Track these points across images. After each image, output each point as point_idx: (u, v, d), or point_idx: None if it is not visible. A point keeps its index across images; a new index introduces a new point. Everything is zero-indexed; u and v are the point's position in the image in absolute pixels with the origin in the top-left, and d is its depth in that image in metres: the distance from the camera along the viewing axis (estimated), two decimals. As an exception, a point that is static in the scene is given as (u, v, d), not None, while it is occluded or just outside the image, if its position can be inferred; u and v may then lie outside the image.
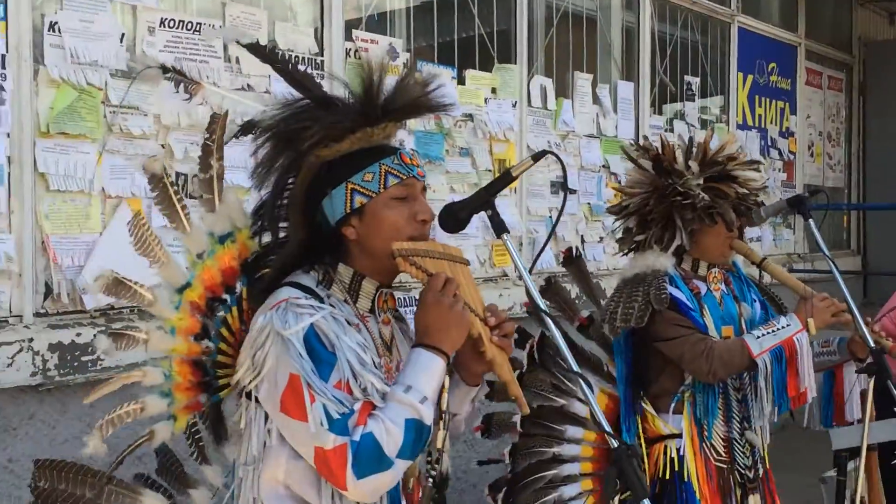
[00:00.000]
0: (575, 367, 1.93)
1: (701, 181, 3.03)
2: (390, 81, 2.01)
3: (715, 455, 3.11)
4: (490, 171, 5.32)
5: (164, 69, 2.11)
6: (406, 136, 4.73)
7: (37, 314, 3.33)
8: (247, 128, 2.14)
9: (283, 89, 2.14)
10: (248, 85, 3.99)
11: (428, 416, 1.87)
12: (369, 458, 1.81)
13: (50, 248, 3.34)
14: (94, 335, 3.31)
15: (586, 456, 3.22)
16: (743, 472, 3.13)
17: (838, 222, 9.90)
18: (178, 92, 2.14)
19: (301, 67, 2.15)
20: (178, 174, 3.69)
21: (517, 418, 3.24)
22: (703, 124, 7.47)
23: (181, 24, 3.76)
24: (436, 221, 2.06)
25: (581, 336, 3.42)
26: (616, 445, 1.82)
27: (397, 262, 1.94)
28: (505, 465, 3.27)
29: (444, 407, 2.00)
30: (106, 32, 3.50)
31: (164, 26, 3.70)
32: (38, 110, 3.33)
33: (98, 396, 2.05)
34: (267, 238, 2.15)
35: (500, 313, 2.03)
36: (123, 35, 3.57)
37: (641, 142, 3.27)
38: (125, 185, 3.53)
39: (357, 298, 2.04)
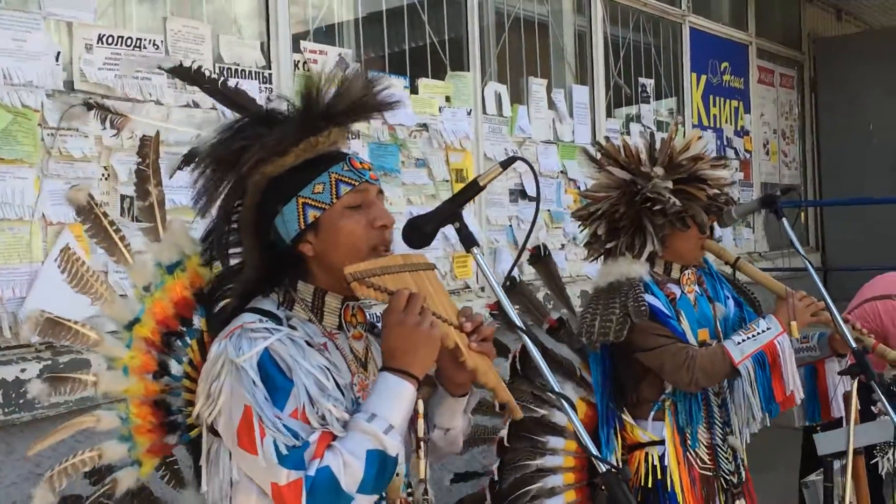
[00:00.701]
0: (556, 387, 1.81)
1: (670, 185, 2.93)
2: (332, 87, 1.89)
3: (700, 463, 3.02)
4: (447, 181, 5.20)
5: (88, 106, 1.99)
6: (360, 148, 4.60)
7: (-23, 350, 3.15)
8: (190, 157, 2.01)
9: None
10: (194, 101, 3.84)
11: (393, 447, 1.73)
12: (325, 493, 1.67)
13: (-12, 280, 3.16)
14: (40, 371, 3.19)
15: (568, 466, 3.11)
16: (727, 477, 3.05)
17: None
18: (105, 128, 2.01)
19: (233, 82, 2.04)
20: (122, 197, 3.52)
21: (503, 432, 3.13)
22: (660, 126, 7.42)
23: (120, 40, 3.60)
24: (399, 237, 1.93)
25: (551, 339, 3.30)
26: (604, 469, 1.70)
27: (353, 288, 1.81)
28: (488, 481, 3.16)
29: (420, 434, 1.87)
30: (40, 51, 3.31)
31: (103, 43, 3.54)
32: (-30, 135, 3.15)
33: (43, 447, 1.90)
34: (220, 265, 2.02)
35: (475, 317, 1.90)
36: (59, 53, 3.39)
37: (603, 143, 3.16)
38: (67, 211, 3.33)
39: (322, 316, 1.91)
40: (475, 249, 1.87)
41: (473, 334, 1.88)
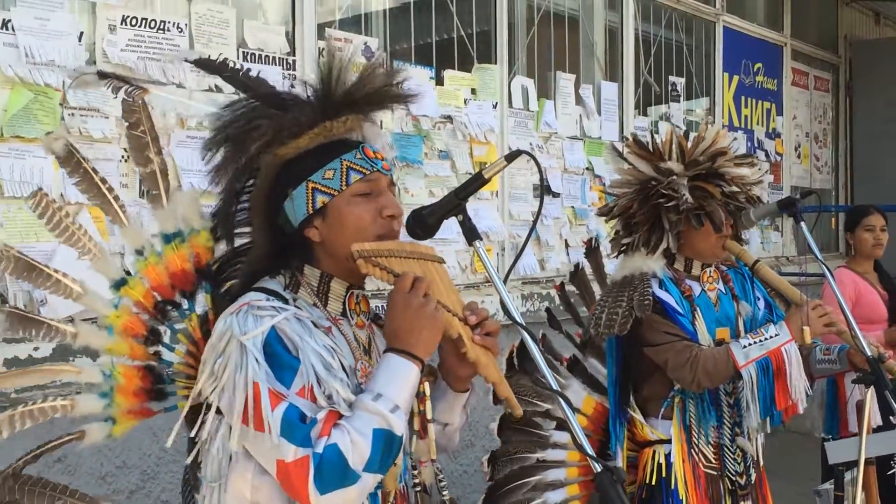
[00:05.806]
0: (554, 385, 1.78)
1: (685, 181, 2.89)
2: (352, 74, 1.88)
3: (704, 461, 2.98)
4: (470, 174, 5.17)
5: (102, 75, 1.97)
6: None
7: (-8, 326, 3.16)
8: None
9: None
10: (216, 86, 3.84)
11: (399, 427, 1.73)
12: (333, 471, 1.67)
13: (5, 257, 3.17)
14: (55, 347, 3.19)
15: (573, 461, 3.11)
16: (734, 478, 3.00)
17: (827, 225, 9.78)
18: (116, 97, 1.98)
19: (257, 68, 2.01)
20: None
21: (493, 426, 3.12)
22: (689, 126, 7.34)
23: (144, 22, 3.60)
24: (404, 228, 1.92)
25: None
26: (599, 470, 1.67)
27: (358, 265, 1.80)
28: (483, 474, 3.15)
29: (428, 416, 1.87)
30: (63, 31, 3.34)
31: (126, 24, 3.55)
32: (-10, 112, 3.16)
33: (15, 385, 1.92)
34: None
35: (480, 311, 1.89)
36: (82, 34, 3.41)
37: (631, 138, 3.13)
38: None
39: (326, 301, 1.91)
40: (477, 243, 1.85)
41: (478, 328, 1.87)
